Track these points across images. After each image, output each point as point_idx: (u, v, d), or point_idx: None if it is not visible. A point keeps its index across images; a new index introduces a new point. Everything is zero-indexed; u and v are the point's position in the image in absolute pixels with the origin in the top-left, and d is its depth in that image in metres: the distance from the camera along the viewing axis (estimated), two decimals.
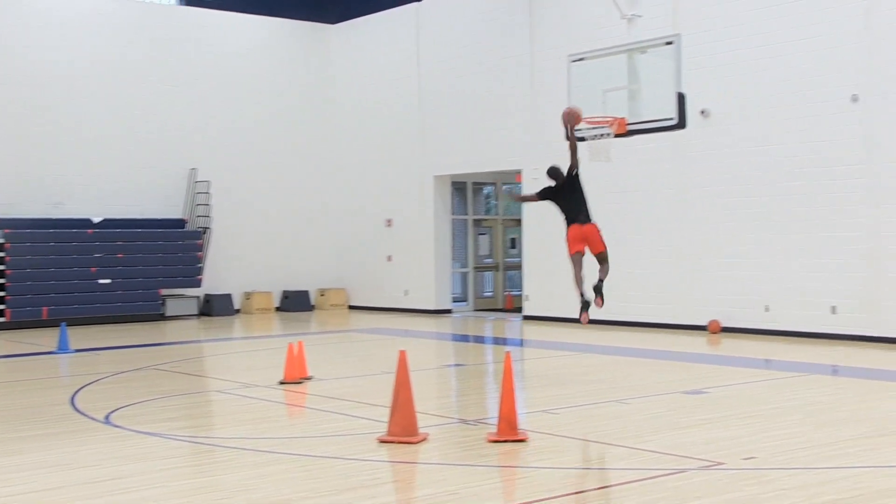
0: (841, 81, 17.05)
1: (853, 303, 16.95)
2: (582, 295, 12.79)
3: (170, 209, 24.66)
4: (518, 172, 23.03)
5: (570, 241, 12.85)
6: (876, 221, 16.70)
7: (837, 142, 17.13)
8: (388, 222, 25.89)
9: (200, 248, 24.42)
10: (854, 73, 16.90)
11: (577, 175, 12.90)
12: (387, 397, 9.49)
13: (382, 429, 9.13)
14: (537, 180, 21.95)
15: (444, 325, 22.22)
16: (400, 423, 8.84)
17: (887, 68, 16.50)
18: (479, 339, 19.70)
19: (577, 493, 7.05)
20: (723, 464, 7.90)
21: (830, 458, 8.12)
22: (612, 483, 7.31)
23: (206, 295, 25.10)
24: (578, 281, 12.83)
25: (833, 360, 14.86)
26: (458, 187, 25.80)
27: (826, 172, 17.28)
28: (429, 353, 16.89)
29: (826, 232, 17.30)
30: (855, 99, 16.85)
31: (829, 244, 17.25)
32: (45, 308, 22.37)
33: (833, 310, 17.19)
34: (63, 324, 18.55)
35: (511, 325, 21.80)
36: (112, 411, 10.92)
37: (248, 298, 25.84)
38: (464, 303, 25.92)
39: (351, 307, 26.86)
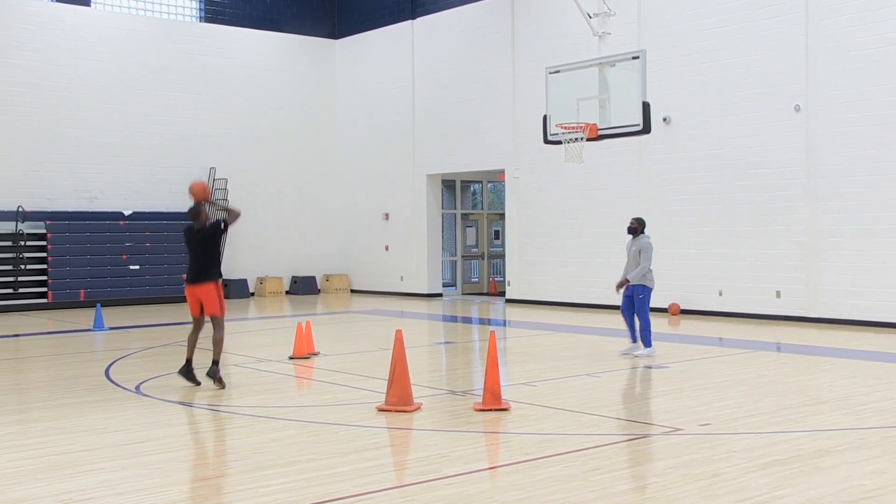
0: (786, 93, 17.09)
1: (795, 288, 17.01)
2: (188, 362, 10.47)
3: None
4: (501, 172, 23.04)
5: (188, 301, 10.71)
6: (814, 217, 16.75)
7: (782, 147, 17.17)
8: (386, 216, 25.85)
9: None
10: (797, 87, 16.93)
11: (223, 228, 10.75)
12: (385, 371, 9.50)
13: (381, 399, 9.15)
14: (518, 179, 22.04)
15: (435, 307, 22.20)
16: (396, 393, 8.85)
17: (826, 83, 16.53)
18: (467, 320, 19.69)
19: (553, 455, 7.06)
20: (681, 430, 7.93)
21: (774, 424, 8.16)
22: (585, 447, 7.32)
23: (225, 280, 25.02)
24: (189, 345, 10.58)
25: (777, 338, 14.91)
26: (448, 185, 25.75)
27: (772, 173, 17.33)
28: (422, 332, 16.87)
29: (771, 226, 17.35)
30: (798, 109, 16.88)
31: (774, 237, 17.31)
32: (82, 290, 22.34)
33: (777, 294, 17.25)
34: (98, 304, 18.57)
35: (495, 308, 21.79)
36: (142, 382, 10.93)
37: (261, 283, 25.80)
38: (453, 287, 25.91)
39: (353, 291, 26.85)
